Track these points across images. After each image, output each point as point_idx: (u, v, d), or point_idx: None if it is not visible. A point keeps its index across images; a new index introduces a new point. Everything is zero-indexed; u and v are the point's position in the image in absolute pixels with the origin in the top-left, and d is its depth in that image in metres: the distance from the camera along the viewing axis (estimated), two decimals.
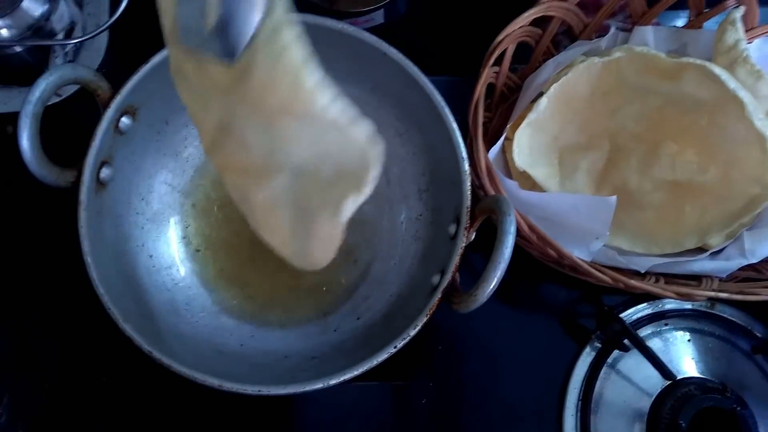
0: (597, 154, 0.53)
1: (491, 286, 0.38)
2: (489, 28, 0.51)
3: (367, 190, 0.31)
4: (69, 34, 0.59)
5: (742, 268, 0.51)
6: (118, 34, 0.60)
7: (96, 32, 0.55)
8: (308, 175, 0.32)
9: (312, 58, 0.29)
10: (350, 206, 0.31)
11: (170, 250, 0.50)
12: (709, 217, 0.50)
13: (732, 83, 0.47)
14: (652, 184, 0.52)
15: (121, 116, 0.44)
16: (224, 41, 0.28)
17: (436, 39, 0.67)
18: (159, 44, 0.35)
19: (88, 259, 0.40)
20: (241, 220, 0.51)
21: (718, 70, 0.47)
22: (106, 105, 0.42)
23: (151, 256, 0.48)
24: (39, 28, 0.55)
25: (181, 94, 0.34)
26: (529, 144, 0.50)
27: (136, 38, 0.60)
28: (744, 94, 0.47)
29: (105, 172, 0.44)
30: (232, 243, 0.51)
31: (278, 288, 0.50)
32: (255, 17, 0.28)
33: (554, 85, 0.49)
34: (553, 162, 0.53)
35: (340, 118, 0.30)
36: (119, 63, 0.60)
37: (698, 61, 0.48)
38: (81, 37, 0.57)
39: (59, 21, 0.57)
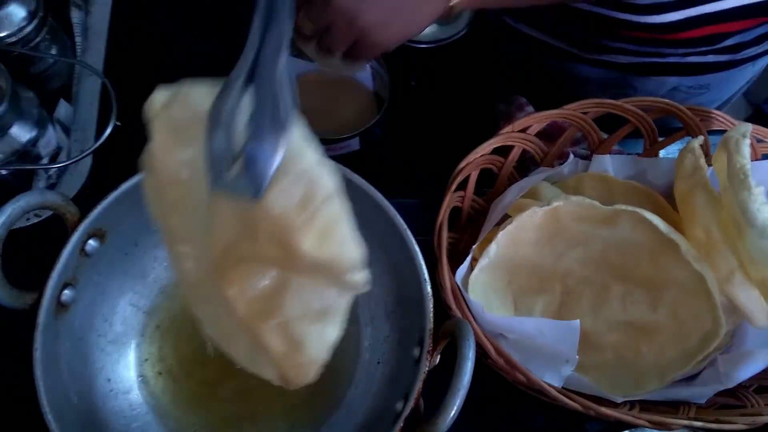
0: (550, 297, 0.54)
1: (451, 415, 0.37)
2: (461, 153, 0.53)
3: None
4: (54, 159, 0.61)
5: (720, 393, 0.50)
6: (103, 159, 0.62)
7: (78, 158, 0.57)
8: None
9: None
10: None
11: (130, 373, 0.48)
12: (666, 356, 0.50)
13: (664, 227, 0.49)
14: (606, 325, 0.52)
15: (88, 239, 0.44)
16: (250, 181, 0.30)
17: (410, 164, 0.70)
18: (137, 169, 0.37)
19: (40, 384, 0.39)
20: (206, 344, 0.51)
21: (649, 215, 0.49)
22: (73, 228, 0.43)
23: (109, 380, 0.47)
24: (25, 153, 0.58)
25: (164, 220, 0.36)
26: (483, 289, 0.51)
27: (118, 163, 0.63)
28: (677, 237, 0.49)
29: (67, 294, 0.44)
30: (195, 367, 0.49)
31: (239, 417, 0.48)
32: (278, 157, 0.30)
33: (501, 233, 0.50)
34: (509, 306, 0.54)
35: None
36: (102, 186, 0.62)
37: (630, 208, 0.49)
38: (64, 161, 0.60)
39: (46, 146, 0.60)
